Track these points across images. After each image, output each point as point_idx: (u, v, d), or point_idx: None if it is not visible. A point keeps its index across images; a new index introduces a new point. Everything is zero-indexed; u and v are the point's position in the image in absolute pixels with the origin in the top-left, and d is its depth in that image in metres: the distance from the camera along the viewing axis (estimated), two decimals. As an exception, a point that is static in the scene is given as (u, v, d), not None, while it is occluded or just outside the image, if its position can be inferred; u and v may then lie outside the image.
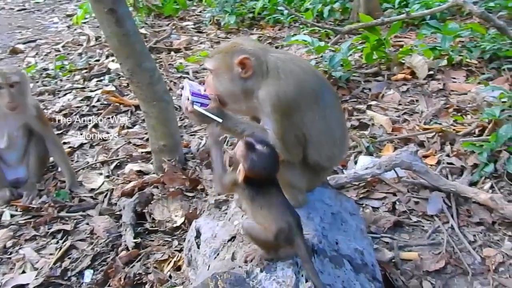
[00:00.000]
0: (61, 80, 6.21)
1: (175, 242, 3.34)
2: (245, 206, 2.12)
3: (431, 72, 5.37)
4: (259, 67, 2.22)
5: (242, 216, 2.47)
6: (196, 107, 2.26)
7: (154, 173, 4.09)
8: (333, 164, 2.53)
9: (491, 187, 3.60)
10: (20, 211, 3.75)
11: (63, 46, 7.59)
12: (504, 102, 4.14)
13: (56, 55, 7.01)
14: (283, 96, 2.16)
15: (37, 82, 6.14)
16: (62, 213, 3.69)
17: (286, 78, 2.19)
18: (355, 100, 5.13)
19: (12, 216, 3.71)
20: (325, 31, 6.87)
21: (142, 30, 7.43)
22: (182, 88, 2.37)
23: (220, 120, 2.24)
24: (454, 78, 5.28)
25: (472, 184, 3.67)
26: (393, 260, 3.01)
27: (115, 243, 3.38)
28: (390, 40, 5.76)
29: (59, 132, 4.91)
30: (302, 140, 2.25)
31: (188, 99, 2.28)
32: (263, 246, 2.06)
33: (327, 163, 2.41)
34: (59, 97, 5.72)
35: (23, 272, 3.18)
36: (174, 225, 3.46)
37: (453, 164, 3.90)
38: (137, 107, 5.21)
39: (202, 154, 4.27)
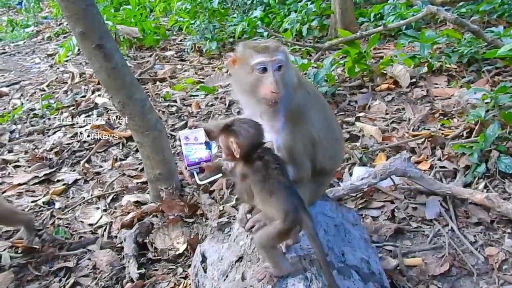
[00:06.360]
0: (49, 118, 6.18)
1: (180, 270, 3.33)
2: (256, 200, 2.14)
3: (413, 80, 5.48)
4: None
5: (247, 236, 2.49)
6: (196, 178, 2.30)
7: (152, 203, 4.07)
8: (335, 165, 2.63)
9: (485, 186, 3.65)
10: (20, 253, 3.68)
11: (47, 85, 7.57)
12: (488, 102, 4.22)
13: (41, 95, 6.99)
14: (292, 101, 2.24)
15: (25, 123, 6.13)
16: (63, 251, 3.66)
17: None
18: (343, 113, 5.21)
19: (11, 258, 3.64)
20: (306, 49, 6.98)
21: (126, 63, 7.48)
22: (179, 139, 2.38)
23: (220, 175, 2.31)
24: (436, 83, 5.40)
25: (467, 185, 3.72)
26: (398, 268, 3.03)
27: (119, 276, 3.36)
28: (370, 52, 5.87)
29: (52, 170, 4.88)
30: (310, 150, 2.32)
31: (186, 168, 2.31)
32: (278, 239, 2.08)
33: (330, 164, 2.49)
34: (49, 136, 5.70)
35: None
36: (177, 253, 3.46)
37: (446, 167, 3.97)
38: (128, 139, 5.22)
39: (198, 180, 4.28)
